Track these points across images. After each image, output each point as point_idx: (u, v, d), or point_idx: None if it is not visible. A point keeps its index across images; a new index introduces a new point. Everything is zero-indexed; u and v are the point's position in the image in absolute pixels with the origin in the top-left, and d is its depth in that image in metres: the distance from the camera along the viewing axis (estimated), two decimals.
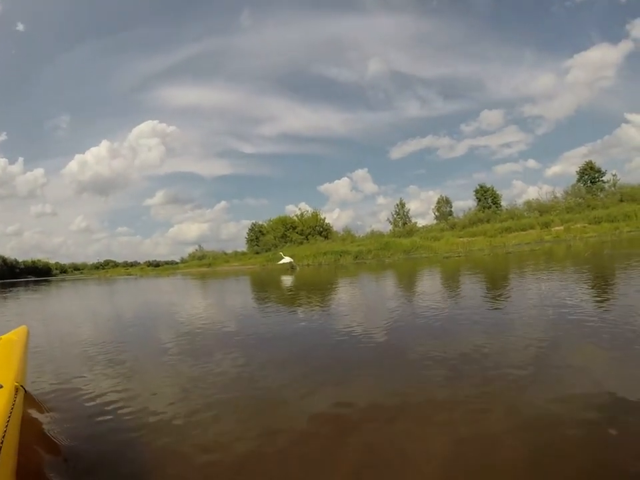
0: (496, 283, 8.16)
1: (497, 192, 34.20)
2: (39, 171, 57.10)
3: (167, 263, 54.10)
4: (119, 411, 2.46)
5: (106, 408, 2.51)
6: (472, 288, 7.52)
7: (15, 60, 58.47)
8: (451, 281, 9.67)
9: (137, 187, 71.19)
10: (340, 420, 2.16)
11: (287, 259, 21.37)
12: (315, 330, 4.84)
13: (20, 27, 52.46)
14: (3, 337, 2.54)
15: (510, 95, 58.62)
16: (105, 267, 68.48)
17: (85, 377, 3.31)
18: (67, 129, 60.65)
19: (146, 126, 55.50)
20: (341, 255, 22.92)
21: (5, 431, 1.35)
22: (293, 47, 71.30)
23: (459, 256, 19.39)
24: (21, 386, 1.89)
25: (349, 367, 3.16)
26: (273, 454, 1.86)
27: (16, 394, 1.72)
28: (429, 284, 9.37)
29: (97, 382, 3.13)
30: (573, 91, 54.92)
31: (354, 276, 13.88)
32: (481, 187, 34.08)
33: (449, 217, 34.06)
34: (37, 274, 68.17)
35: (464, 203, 48.93)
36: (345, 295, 8.57)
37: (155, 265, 57.34)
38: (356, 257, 22.72)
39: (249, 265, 28.03)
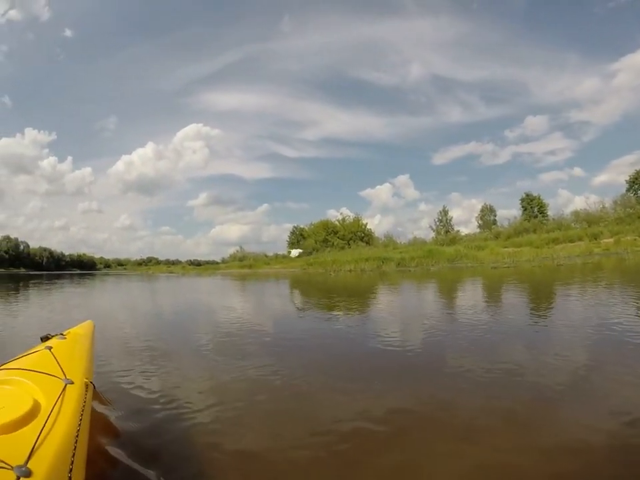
0: (550, 297, 7.73)
1: (544, 201, 32.97)
2: (86, 170, 60.42)
3: (207, 262, 55.59)
4: (168, 406, 2.55)
5: (158, 403, 2.60)
6: (525, 302, 7.21)
7: (63, 64, 61.99)
8: (503, 293, 9.26)
9: (180, 188, 73.84)
10: (373, 432, 2.16)
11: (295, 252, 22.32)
12: (353, 337, 4.84)
13: (68, 32, 55.65)
14: (71, 330, 2.47)
15: (554, 99, 56.53)
16: (148, 264, 71.82)
17: (135, 370, 3.40)
18: (114, 130, 63.67)
19: (191, 129, 57.50)
20: (383, 262, 22.71)
21: (79, 429, 1.35)
22: (333, 52, 71.76)
23: (508, 267, 18.78)
24: (91, 382, 1.89)
25: (385, 377, 3.15)
26: (303, 462, 1.89)
27: (86, 390, 1.71)
28: (480, 296, 9.03)
29: (148, 376, 3.22)
30: (619, 95, 52.29)
31: (399, 284, 13.67)
32: (527, 195, 32.93)
33: (493, 226, 33.08)
34: (82, 267, 71.74)
35: (507, 212, 47.21)
36: (389, 303, 8.40)
37: (196, 264, 59.06)
38: (398, 264, 22.44)
39: (290, 268, 28.26)
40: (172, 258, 73.03)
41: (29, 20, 55.04)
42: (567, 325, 4.70)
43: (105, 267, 77.27)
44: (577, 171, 50.02)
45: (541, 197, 32.95)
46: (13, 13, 48.87)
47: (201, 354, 4.05)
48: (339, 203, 64.40)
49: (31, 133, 55.46)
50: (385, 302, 8.76)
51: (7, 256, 65.30)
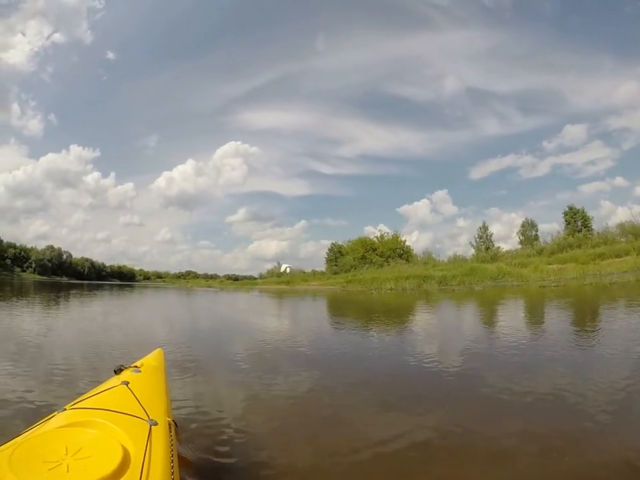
0: (613, 321, 7.27)
1: (588, 214, 31.69)
2: (129, 185, 62.81)
3: (245, 277, 56.92)
4: (230, 433, 2.62)
5: (223, 435, 2.62)
6: (584, 326, 6.93)
7: (106, 85, 65.52)
8: (561, 316, 8.81)
9: (219, 204, 75.45)
10: (404, 453, 2.19)
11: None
12: (388, 356, 4.98)
13: (110, 55, 58.64)
14: (143, 362, 2.26)
15: (592, 106, 53.93)
16: (186, 277, 74.76)
17: (190, 395, 3.47)
18: (156, 148, 66.20)
19: (229, 147, 58.98)
20: (424, 280, 22.39)
21: (172, 478, 1.30)
22: (367, 68, 72.21)
23: (557, 285, 18.12)
24: (173, 421, 1.76)
25: (420, 398, 3.21)
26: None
27: (170, 431, 1.60)
28: (537, 320, 8.64)
29: (203, 402, 3.29)
30: None
31: (446, 304, 13.42)
32: (571, 208, 31.71)
33: (535, 242, 32.02)
34: (122, 278, 74.82)
35: (548, 226, 45.29)
36: (442, 327, 8.26)
37: (234, 278, 60.72)
38: (440, 283, 22.07)
39: (328, 286, 28.23)
40: (210, 272, 75.31)
41: (72, 43, 58.76)
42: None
43: (144, 279, 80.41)
44: (619, 181, 47.56)
45: (584, 210, 31.73)
46: (57, 36, 52.09)
47: (252, 374, 4.20)
48: (376, 220, 64.08)
49: (76, 150, 58.38)
50: (437, 326, 8.69)
51: (49, 264, 68.74)
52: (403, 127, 68.78)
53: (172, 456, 1.41)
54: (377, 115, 70.83)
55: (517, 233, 34.21)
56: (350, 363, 4.85)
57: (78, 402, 1.62)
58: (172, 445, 1.50)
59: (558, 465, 2.01)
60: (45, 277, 62.18)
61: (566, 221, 31.64)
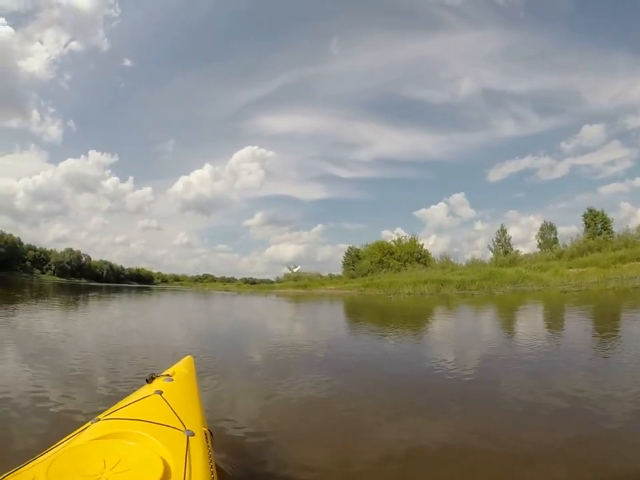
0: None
1: (608, 216, 31.16)
2: (147, 190, 63.78)
3: (262, 281, 57.14)
4: (258, 439, 2.68)
5: (252, 444, 2.65)
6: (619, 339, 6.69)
7: (124, 91, 66.76)
8: (594, 327, 8.51)
9: (237, 208, 76.76)
10: (418, 457, 2.25)
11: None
12: (408, 362, 5.10)
13: (127, 62, 59.93)
14: (175, 370, 2.19)
15: (610, 106, 52.53)
16: (203, 281, 76.15)
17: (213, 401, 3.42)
18: (173, 153, 67.37)
19: (246, 151, 59.41)
20: (442, 284, 22.34)
21: None
22: (382, 71, 71.78)
23: (578, 290, 17.90)
24: (209, 430, 1.72)
25: (435, 402, 3.26)
26: None
27: (207, 441, 1.58)
28: (569, 331, 8.24)
29: (226, 406, 3.35)
30: None
31: (467, 310, 13.42)
32: (590, 211, 31.21)
33: (554, 245, 31.61)
34: (140, 281, 76.10)
35: (567, 229, 44.41)
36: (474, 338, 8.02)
37: (251, 282, 61.44)
38: (458, 287, 22.00)
39: (346, 290, 28.29)
40: (227, 275, 76.75)
41: (89, 50, 60.46)
42: None
43: (162, 282, 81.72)
44: (638, 181, 46.54)
45: (604, 212, 31.21)
46: (75, 44, 53.35)
47: (276, 380, 4.26)
48: (393, 224, 63.85)
49: (94, 155, 59.63)
50: (457, 331, 8.69)
51: (69, 267, 70.29)
52: (419, 130, 68.19)
53: (211, 467, 1.40)
54: (393, 117, 70.62)
55: (536, 236, 33.78)
56: (370, 368, 4.99)
57: (112, 412, 1.60)
58: (210, 456, 1.48)
59: (579, 471, 2.08)
60: (64, 279, 63.54)
61: (586, 223, 31.14)
